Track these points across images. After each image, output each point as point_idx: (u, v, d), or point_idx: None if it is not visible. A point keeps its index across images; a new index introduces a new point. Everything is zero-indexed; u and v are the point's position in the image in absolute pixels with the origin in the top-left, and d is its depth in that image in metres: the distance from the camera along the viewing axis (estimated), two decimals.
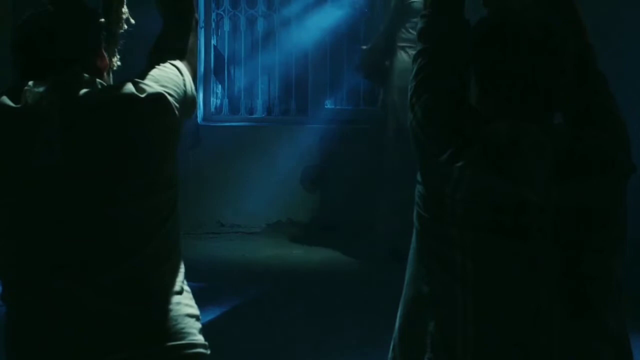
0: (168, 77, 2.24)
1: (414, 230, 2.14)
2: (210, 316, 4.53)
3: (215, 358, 2.25)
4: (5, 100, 2.14)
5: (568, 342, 2.00)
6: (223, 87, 7.37)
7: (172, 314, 2.17)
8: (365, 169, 6.74)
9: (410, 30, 5.94)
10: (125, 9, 2.42)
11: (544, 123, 2.06)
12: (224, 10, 7.22)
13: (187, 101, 2.27)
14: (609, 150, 2.06)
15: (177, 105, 2.21)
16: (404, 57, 5.98)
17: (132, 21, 2.43)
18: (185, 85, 2.27)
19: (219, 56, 7.29)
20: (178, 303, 2.19)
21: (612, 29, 5.99)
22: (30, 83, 2.15)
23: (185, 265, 2.26)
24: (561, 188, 2.00)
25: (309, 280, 5.60)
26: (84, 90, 2.15)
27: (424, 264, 2.11)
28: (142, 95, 2.16)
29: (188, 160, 6.12)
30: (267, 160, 6.71)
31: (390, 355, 2.22)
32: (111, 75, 2.34)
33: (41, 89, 2.13)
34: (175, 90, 2.22)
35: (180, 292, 2.21)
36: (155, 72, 2.23)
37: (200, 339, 2.21)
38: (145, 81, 2.19)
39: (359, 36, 7.20)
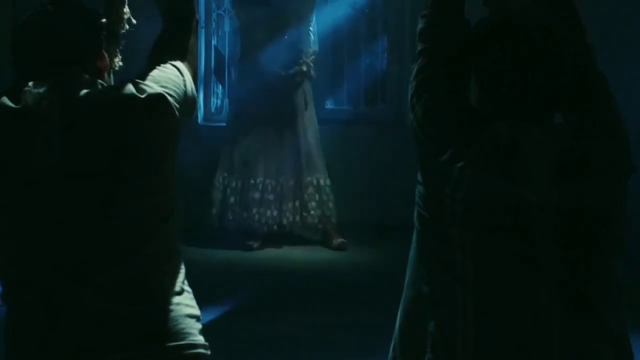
0: (168, 78, 2.24)
1: (414, 231, 2.14)
2: (210, 316, 4.52)
3: (216, 358, 2.25)
4: (6, 100, 2.14)
5: (568, 342, 2.00)
6: (223, 87, 7.37)
7: (173, 314, 2.17)
8: (365, 169, 6.75)
9: None
10: (126, 9, 2.41)
11: (544, 123, 2.07)
12: (224, 11, 7.22)
13: (187, 101, 2.27)
14: (609, 150, 2.06)
15: (177, 105, 2.21)
16: None
17: (134, 21, 2.42)
18: (185, 86, 2.27)
19: (219, 56, 7.29)
20: (178, 303, 2.19)
21: (612, 29, 5.99)
22: (31, 84, 2.15)
23: (185, 265, 2.26)
24: (561, 188, 2.00)
25: (310, 280, 5.60)
26: (84, 91, 2.15)
27: (424, 264, 2.11)
28: (142, 96, 2.16)
29: (187, 160, 6.11)
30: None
31: (390, 355, 2.22)
32: (112, 75, 2.33)
33: (41, 90, 2.13)
34: (175, 91, 2.22)
35: (180, 293, 2.21)
36: (156, 73, 2.23)
37: (200, 339, 2.21)
38: (146, 82, 2.19)
39: (359, 36, 7.21)
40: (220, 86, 7.38)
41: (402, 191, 4.03)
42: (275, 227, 6.25)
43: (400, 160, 5.66)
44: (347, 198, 6.44)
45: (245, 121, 6.25)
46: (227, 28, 7.25)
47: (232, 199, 6.25)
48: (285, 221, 6.25)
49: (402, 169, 4.74)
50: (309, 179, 6.29)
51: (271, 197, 6.23)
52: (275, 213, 6.24)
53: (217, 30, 7.27)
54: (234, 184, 6.26)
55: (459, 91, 2.12)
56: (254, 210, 6.21)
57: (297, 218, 6.28)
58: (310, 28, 6.31)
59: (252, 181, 6.23)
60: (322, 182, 6.32)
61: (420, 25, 2.20)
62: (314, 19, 6.36)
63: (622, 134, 2.11)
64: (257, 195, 6.22)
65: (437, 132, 2.08)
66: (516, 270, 2.00)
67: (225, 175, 6.30)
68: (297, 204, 6.27)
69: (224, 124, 6.64)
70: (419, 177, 2.12)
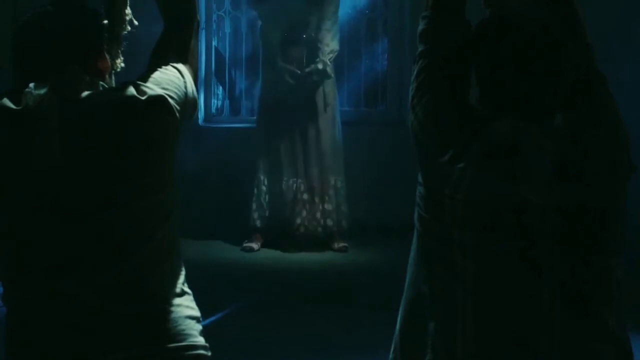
0: (169, 80, 2.24)
1: (415, 231, 2.15)
2: (210, 317, 4.52)
3: (216, 359, 2.25)
4: (6, 102, 2.15)
5: (568, 342, 2.00)
6: (224, 89, 7.37)
7: (173, 315, 2.17)
8: (365, 169, 6.74)
9: None
10: (128, 10, 2.42)
11: (544, 123, 2.07)
12: (224, 12, 7.21)
13: (187, 103, 2.27)
14: (609, 150, 2.07)
15: (177, 107, 2.21)
16: None
17: (136, 23, 2.42)
18: (186, 88, 2.27)
19: (219, 57, 7.29)
20: (178, 305, 2.19)
21: (612, 29, 6.00)
22: (31, 85, 2.15)
23: (185, 265, 2.26)
24: (561, 188, 2.00)
25: (310, 280, 5.60)
26: (84, 92, 2.16)
27: (424, 264, 2.11)
28: (143, 98, 2.16)
29: (188, 161, 6.11)
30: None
31: (391, 356, 2.22)
32: (113, 76, 2.34)
33: (42, 91, 2.14)
34: (176, 93, 2.23)
35: (180, 295, 2.21)
36: (157, 75, 2.24)
37: (200, 340, 2.21)
38: (147, 83, 2.19)
39: (360, 37, 7.20)
40: (220, 87, 7.38)
41: (402, 192, 4.04)
42: (319, 228, 6.28)
43: (400, 160, 5.65)
44: (348, 198, 6.44)
45: (271, 122, 6.28)
46: (227, 29, 7.25)
47: (267, 199, 6.27)
48: (329, 222, 6.28)
49: (402, 169, 4.74)
50: (326, 179, 6.30)
51: (305, 196, 6.26)
52: (315, 214, 6.27)
53: (217, 31, 7.27)
54: (269, 186, 6.28)
55: (459, 91, 2.12)
56: (289, 212, 6.23)
57: (315, 222, 6.30)
58: (332, 26, 6.30)
59: (284, 182, 6.26)
60: (339, 184, 6.33)
61: (420, 26, 2.20)
62: (337, 17, 6.36)
63: (622, 134, 2.11)
64: (290, 195, 6.24)
65: (437, 133, 2.08)
66: (516, 270, 2.00)
67: (262, 177, 6.31)
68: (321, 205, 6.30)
69: (225, 125, 6.64)
70: (419, 178, 2.12)
